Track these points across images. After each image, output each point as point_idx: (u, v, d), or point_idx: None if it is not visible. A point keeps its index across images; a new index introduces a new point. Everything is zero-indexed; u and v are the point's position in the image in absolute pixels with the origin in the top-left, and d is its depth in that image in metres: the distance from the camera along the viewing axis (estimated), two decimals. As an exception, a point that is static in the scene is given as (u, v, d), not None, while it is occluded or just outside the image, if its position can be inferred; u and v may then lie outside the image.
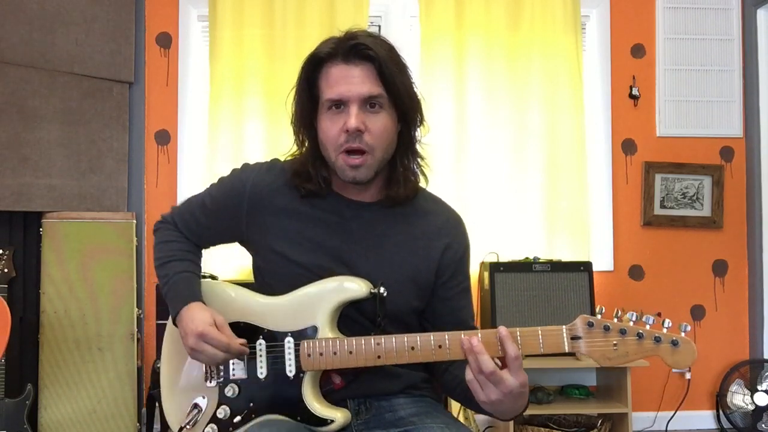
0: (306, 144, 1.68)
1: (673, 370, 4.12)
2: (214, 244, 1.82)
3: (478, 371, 1.39)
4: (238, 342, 1.56)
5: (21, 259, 3.59)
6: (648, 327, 1.37)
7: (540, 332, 1.41)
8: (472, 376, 1.40)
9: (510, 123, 4.02)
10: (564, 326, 1.41)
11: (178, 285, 1.68)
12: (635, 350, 1.36)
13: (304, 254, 1.64)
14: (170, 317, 1.68)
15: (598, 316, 1.40)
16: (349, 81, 1.55)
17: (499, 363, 1.40)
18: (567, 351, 1.40)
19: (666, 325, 1.36)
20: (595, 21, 4.23)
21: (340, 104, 1.57)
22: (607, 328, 1.38)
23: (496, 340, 1.40)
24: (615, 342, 1.38)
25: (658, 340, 1.35)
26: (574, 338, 1.40)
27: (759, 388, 3.91)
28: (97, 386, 3.55)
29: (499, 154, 4.01)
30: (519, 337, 1.41)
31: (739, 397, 3.96)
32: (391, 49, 1.60)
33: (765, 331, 4.10)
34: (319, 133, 1.62)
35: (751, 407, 3.91)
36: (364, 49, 1.55)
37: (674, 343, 1.34)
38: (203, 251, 1.83)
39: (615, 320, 1.39)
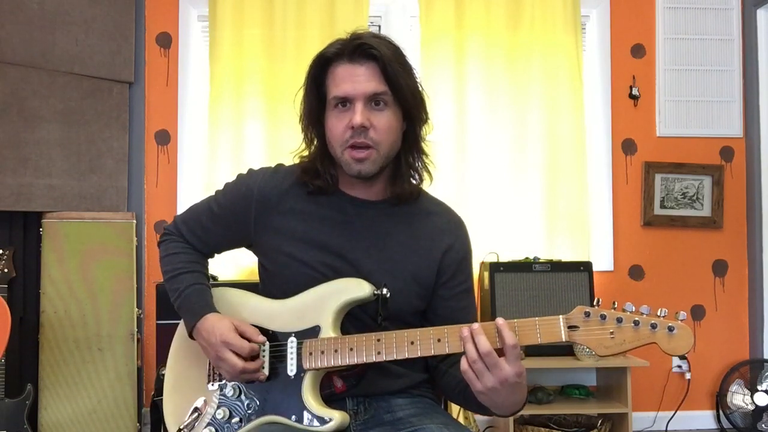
0: (315, 142, 1.71)
1: (673, 369, 4.12)
2: (220, 251, 1.84)
3: (475, 355, 1.40)
4: (261, 339, 1.60)
5: (21, 259, 3.59)
6: (644, 315, 1.37)
7: (537, 322, 1.42)
8: (467, 365, 1.41)
9: (510, 123, 4.02)
10: (561, 316, 1.42)
11: (190, 298, 1.69)
12: (632, 338, 1.37)
13: (310, 253, 1.66)
14: (185, 331, 1.69)
15: (596, 307, 1.41)
16: (354, 79, 1.59)
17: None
18: (564, 340, 1.41)
19: (662, 313, 1.37)
20: (595, 21, 4.24)
21: (345, 102, 1.61)
22: (603, 317, 1.39)
23: (494, 331, 1.41)
24: (611, 330, 1.38)
25: (654, 326, 1.35)
26: (571, 327, 1.41)
27: (759, 388, 3.91)
28: (97, 386, 3.55)
29: (499, 154, 4.01)
30: (516, 328, 1.42)
31: (739, 397, 3.95)
32: (395, 49, 1.64)
33: (765, 331, 4.09)
34: (326, 131, 1.66)
35: (751, 407, 3.90)
36: (368, 48, 1.59)
37: (670, 329, 1.35)
38: (210, 260, 1.85)
39: (612, 310, 1.40)
